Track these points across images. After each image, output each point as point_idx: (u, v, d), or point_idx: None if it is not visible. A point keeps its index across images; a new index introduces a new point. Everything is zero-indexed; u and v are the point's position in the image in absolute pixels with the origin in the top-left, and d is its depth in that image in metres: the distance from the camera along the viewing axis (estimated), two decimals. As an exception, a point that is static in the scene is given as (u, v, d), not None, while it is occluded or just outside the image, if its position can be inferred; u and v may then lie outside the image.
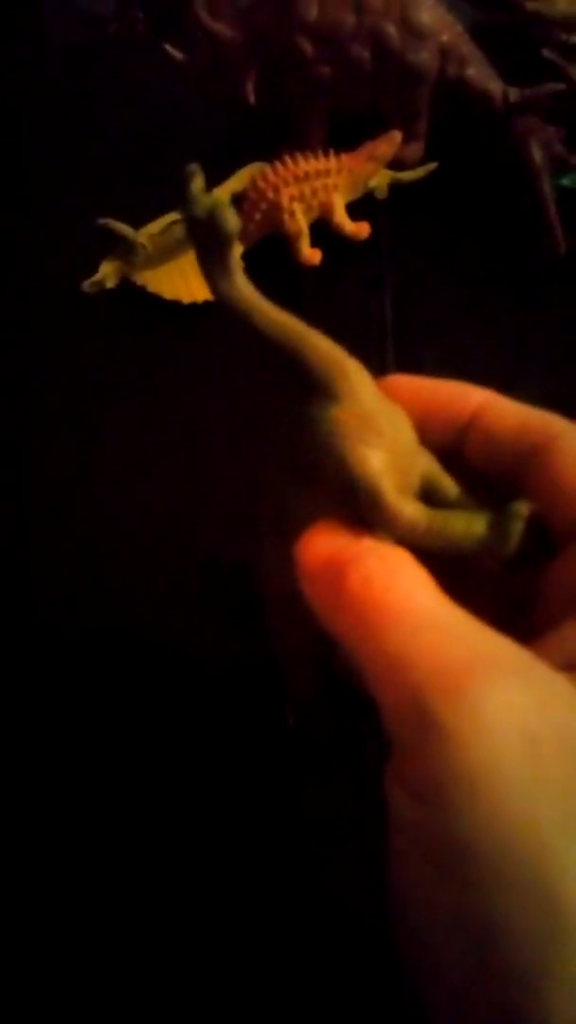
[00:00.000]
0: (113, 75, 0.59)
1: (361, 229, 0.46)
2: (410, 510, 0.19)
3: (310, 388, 0.20)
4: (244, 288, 0.20)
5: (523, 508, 0.20)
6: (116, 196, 0.49)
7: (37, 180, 0.52)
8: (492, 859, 0.14)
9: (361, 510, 0.19)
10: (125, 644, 0.36)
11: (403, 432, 0.21)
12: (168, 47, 0.49)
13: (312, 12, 0.45)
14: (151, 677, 0.34)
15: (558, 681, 0.16)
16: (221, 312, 0.20)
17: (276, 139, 0.49)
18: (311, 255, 0.46)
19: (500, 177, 0.49)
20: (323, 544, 0.19)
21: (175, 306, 0.44)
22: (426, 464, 0.21)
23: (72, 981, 0.29)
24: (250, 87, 0.48)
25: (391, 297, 0.45)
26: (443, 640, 0.16)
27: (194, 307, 0.44)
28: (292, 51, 0.46)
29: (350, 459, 0.19)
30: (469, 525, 0.19)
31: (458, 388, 0.22)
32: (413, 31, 0.45)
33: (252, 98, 0.48)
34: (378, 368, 0.42)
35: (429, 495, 0.21)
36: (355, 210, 0.47)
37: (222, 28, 0.47)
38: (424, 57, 0.46)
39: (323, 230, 0.46)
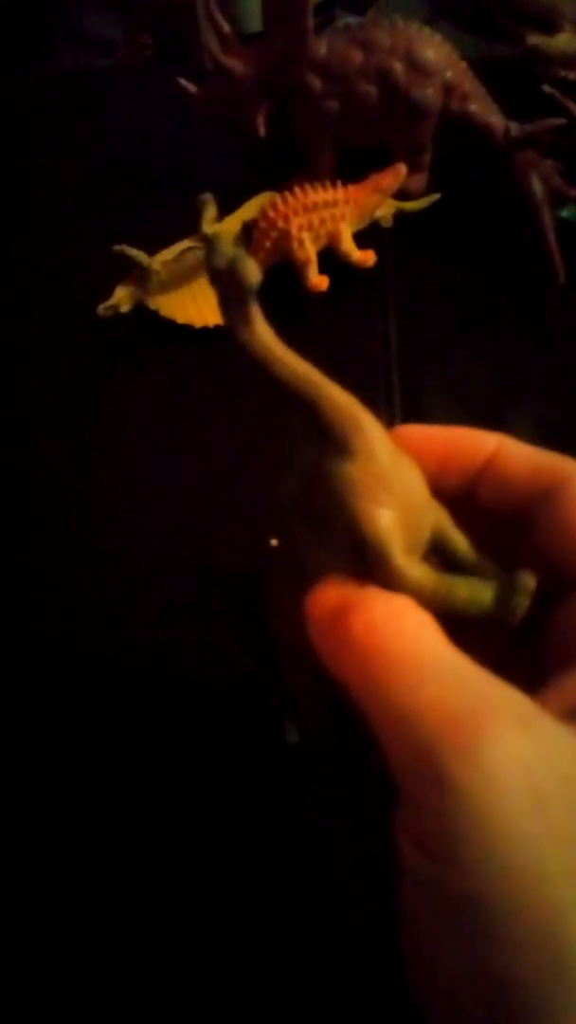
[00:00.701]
0: (123, 101, 0.60)
1: (367, 257, 0.47)
2: (416, 574, 0.19)
3: (325, 439, 0.20)
4: (264, 337, 0.20)
5: (529, 582, 0.19)
6: (130, 223, 0.50)
7: (52, 205, 0.53)
8: (502, 914, 0.15)
9: (370, 568, 0.19)
10: (131, 659, 0.36)
11: (415, 488, 0.21)
12: (182, 80, 0.50)
13: (321, 49, 0.47)
14: (156, 692, 0.35)
15: (563, 734, 0.16)
16: (239, 356, 0.21)
17: (286, 170, 0.50)
18: (319, 282, 0.47)
19: (501, 208, 0.50)
20: (331, 594, 0.19)
21: (188, 330, 0.45)
22: (437, 519, 0.21)
23: (78, 989, 0.30)
24: (260, 119, 0.49)
25: (395, 323, 0.46)
26: (450, 691, 0.16)
27: (206, 331, 0.45)
28: (302, 86, 0.47)
29: (360, 518, 0.19)
30: (474, 593, 0.20)
31: (471, 434, 0.22)
32: (418, 68, 0.47)
33: (263, 130, 0.49)
34: (383, 390, 0.44)
35: (439, 549, 0.21)
36: (361, 239, 0.48)
37: (234, 63, 0.48)
38: (429, 93, 0.47)
39: (330, 258, 0.47)
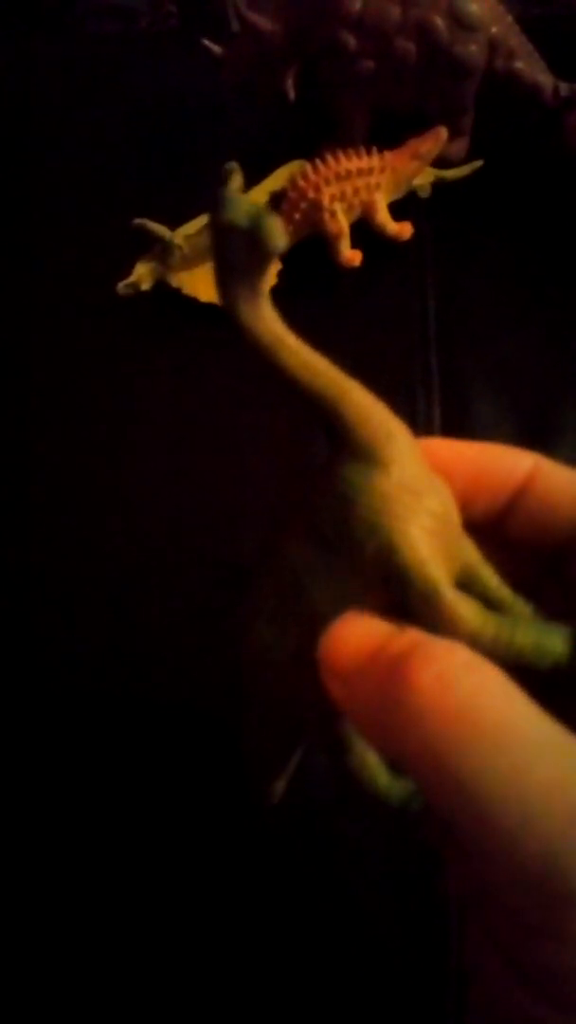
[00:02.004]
0: (146, 70, 0.58)
1: (404, 229, 0.45)
2: (473, 614, 0.17)
3: (346, 447, 0.18)
4: (272, 321, 0.18)
5: None
6: (151, 195, 0.48)
7: (69, 178, 0.51)
8: None
9: (408, 605, 0.17)
10: (137, 657, 0.35)
11: (451, 512, 0.18)
12: (206, 41, 0.47)
13: (356, 3, 0.44)
14: (162, 693, 0.34)
15: None
16: (243, 344, 0.18)
17: (316, 136, 0.48)
18: (351, 256, 0.45)
19: (549, 175, 0.47)
20: (360, 635, 0.16)
21: (211, 308, 0.43)
22: (468, 550, 0.18)
23: (77, 991, 0.29)
24: (290, 82, 0.46)
25: (434, 302, 0.44)
26: (570, 775, 0.13)
27: None
28: (334, 45, 0.44)
29: (401, 544, 0.17)
30: (542, 639, 0.17)
31: (504, 453, 0.20)
32: (461, 23, 0.44)
33: (292, 93, 0.47)
34: (420, 376, 0.42)
35: (465, 585, 0.18)
36: (397, 210, 0.45)
37: (261, 20, 0.45)
38: (472, 50, 0.44)
39: (364, 230, 0.45)
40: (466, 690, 0.14)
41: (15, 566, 0.37)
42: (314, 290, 0.44)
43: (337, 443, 0.18)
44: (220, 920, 0.30)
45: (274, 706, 0.19)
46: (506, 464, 0.20)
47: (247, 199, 0.17)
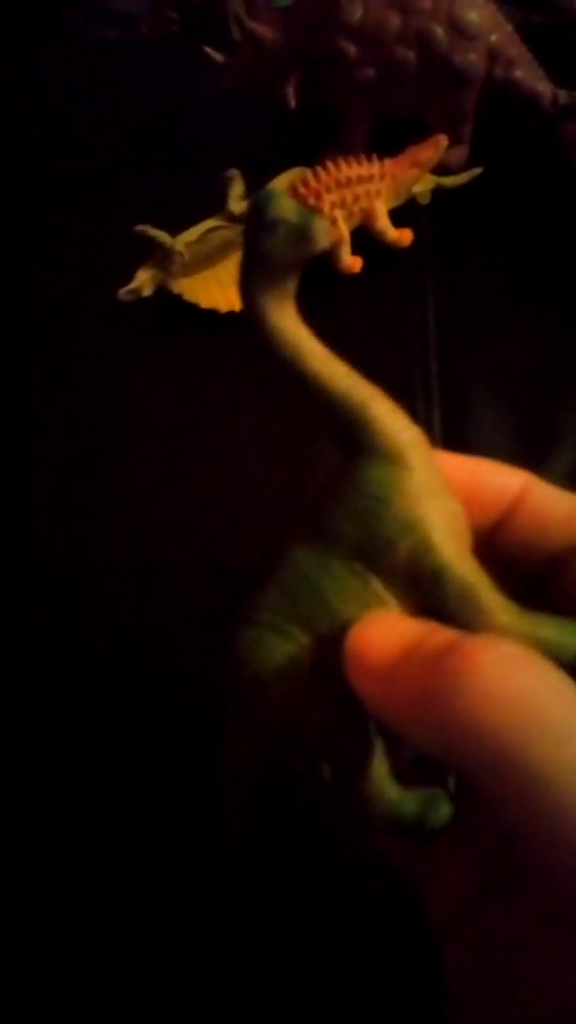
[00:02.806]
0: (147, 77, 0.58)
1: (404, 236, 0.45)
2: (506, 611, 0.17)
3: (368, 451, 0.18)
4: (297, 323, 0.18)
5: None
6: (152, 201, 0.48)
7: (70, 184, 0.51)
8: None
9: (442, 603, 0.17)
10: (138, 662, 0.35)
11: (464, 517, 0.18)
12: (208, 49, 0.47)
13: (356, 12, 0.44)
14: (164, 697, 0.34)
15: None
16: (263, 344, 0.18)
17: (317, 143, 0.48)
18: (352, 263, 0.45)
19: (548, 182, 0.47)
20: (398, 630, 0.16)
21: (212, 315, 0.43)
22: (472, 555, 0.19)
23: (77, 993, 0.28)
24: (291, 90, 0.47)
25: (434, 307, 0.44)
26: None
27: (232, 316, 0.43)
28: (334, 53, 0.45)
29: (437, 544, 0.17)
30: (563, 635, 0.17)
31: (497, 470, 0.20)
32: (461, 31, 0.44)
33: (293, 101, 0.47)
34: (420, 380, 0.42)
35: None
36: (397, 217, 0.45)
37: (262, 29, 0.45)
38: (472, 58, 0.45)
39: (364, 237, 0.45)
40: (529, 677, 0.14)
41: (15, 568, 0.37)
42: (314, 296, 0.43)
43: (356, 447, 0.18)
44: (220, 922, 0.30)
45: (269, 728, 0.18)
46: (498, 481, 0.20)
47: (287, 198, 0.17)
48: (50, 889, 0.30)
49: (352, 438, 0.18)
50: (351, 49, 0.45)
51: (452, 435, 0.40)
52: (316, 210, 0.17)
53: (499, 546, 0.20)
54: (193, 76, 0.53)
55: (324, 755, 0.18)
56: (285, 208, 0.17)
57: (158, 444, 0.40)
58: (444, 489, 0.18)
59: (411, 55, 0.44)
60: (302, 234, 0.17)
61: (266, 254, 0.17)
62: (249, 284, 0.18)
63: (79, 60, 0.61)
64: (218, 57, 0.48)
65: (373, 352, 0.42)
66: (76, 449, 0.41)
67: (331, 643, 0.17)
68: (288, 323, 0.18)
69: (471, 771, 0.15)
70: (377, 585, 0.17)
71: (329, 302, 0.44)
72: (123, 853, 0.31)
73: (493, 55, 0.45)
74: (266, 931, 0.29)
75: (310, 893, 0.29)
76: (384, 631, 0.17)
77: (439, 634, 0.16)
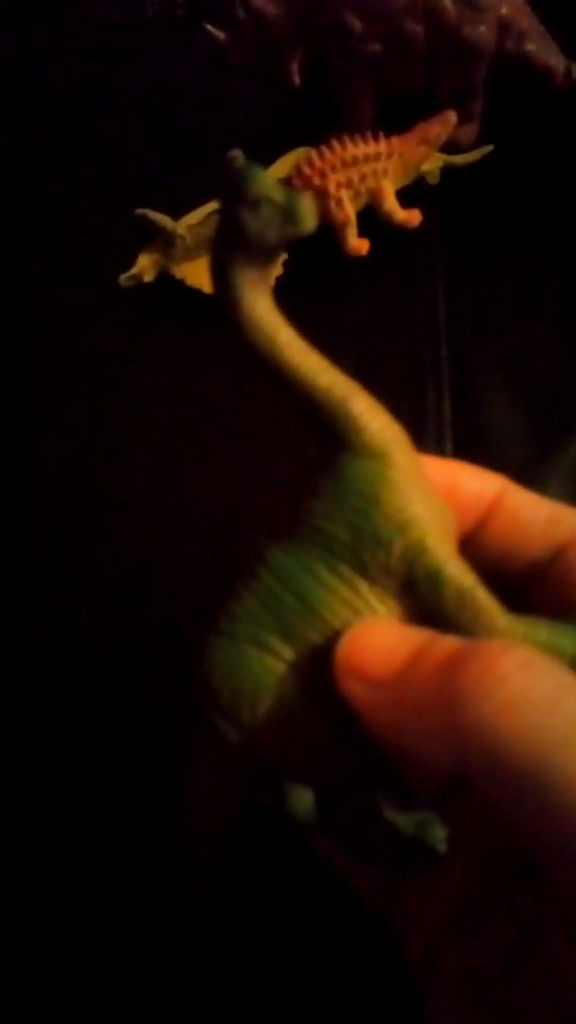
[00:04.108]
0: (150, 58, 0.57)
1: (412, 217, 0.44)
2: (502, 615, 0.16)
3: (350, 449, 0.17)
4: (273, 312, 0.17)
5: None
6: (154, 185, 0.47)
7: (71, 168, 0.51)
8: None
9: (438, 606, 0.16)
10: (141, 663, 0.34)
11: (451, 516, 0.18)
12: (209, 27, 0.46)
13: (361, -15, 0.43)
14: (169, 702, 0.33)
15: None
16: (236, 335, 0.17)
17: (322, 122, 0.47)
18: (358, 245, 0.43)
19: (561, 160, 0.46)
20: (396, 637, 0.16)
21: (215, 301, 0.42)
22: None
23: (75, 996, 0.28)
24: (295, 68, 0.45)
25: (444, 291, 0.43)
26: None
27: None
28: (339, 28, 0.43)
29: (432, 544, 0.16)
30: (554, 638, 0.16)
31: (475, 474, 0.20)
32: (470, 3, 0.43)
33: (297, 79, 0.46)
34: (430, 367, 0.41)
35: None
36: (405, 196, 0.44)
37: (265, 5, 0.44)
38: (482, 31, 0.43)
39: (371, 218, 0.44)
40: (551, 684, 0.14)
41: (15, 566, 0.37)
42: (320, 280, 0.43)
43: (338, 443, 0.17)
44: (219, 928, 0.29)
45: (245, 753, 0.17)
46: (475, 486, 0.20)
47: (268, 174, 0.16)
48: (50, 890, 0.30)
49: (333, 434, 0.17)
50: (356, 23, 0.43)
51: (463, 422, 0.39)
52: (302, 188, 0.16)
53: (475, 551, 0.19)
54: (196, 57, 0.52)
55: (311, 778, 0.17)
56: (268, 185, 0.16)
57: (159, 432, 0.40)
58: (429, 487, 0.17)
59: (419, 28, 0.43)
60: (287, 214, 0.16)
61: (246, 235, 0.16)
62: (224, 267, 0.17)
63: (82, 42, 0.60)
64: (220, 36, 0.46)
65: (381, 337, 0.42)
66: (75, 437, 0.40)
67: (318, 655, 0.16)
68: (264, 311, 0.17)
69: (491, 784, 0.14)
70: (366, 590, 0.16)
71: (335, 286, 0.43)
72: (123, 854, 0.30)
73: (504, 28, 0.44)
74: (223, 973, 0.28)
75: (275, 924, 0.28)
76: (381, 638, 0.16)
77: (444, 640, 0.15)
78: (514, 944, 0.16)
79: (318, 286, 0.43)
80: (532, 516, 0.19)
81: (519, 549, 0.19)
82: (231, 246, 0.16)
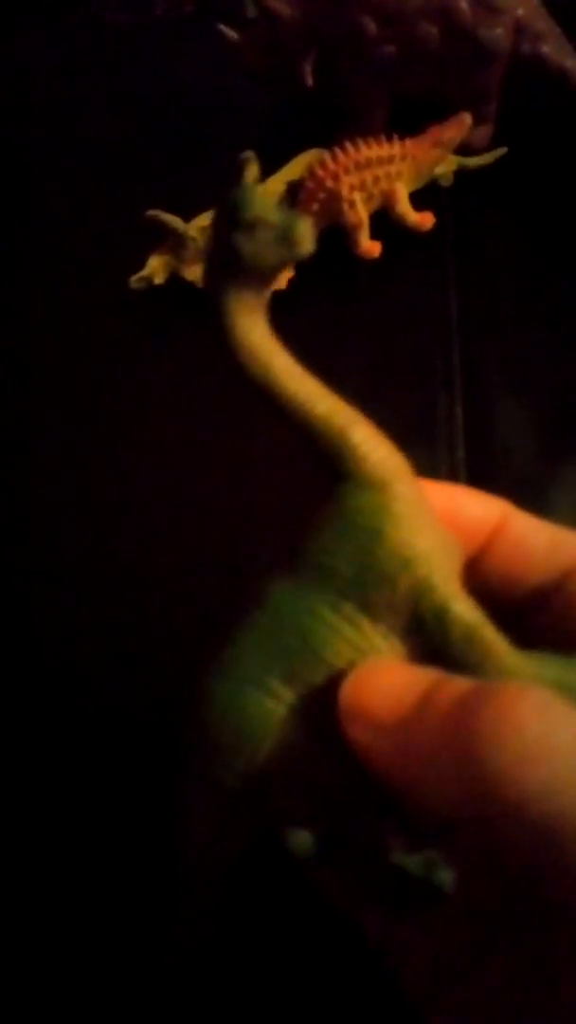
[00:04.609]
0: (160, 58, 0.57)
1: (425, 220, 0.44)
2: (511, 654, 0.15)
3: (352, 480, 0.16)
4: (269, 339, 0.16)
5: None
6: (165, 186, 0.47)
7: (81, 168, 0.50)
8: None
9: (445, 646, 0.15)
10: (143, 675, 0.34)
11: (457, 548, 0.17)
12: (222, 26, 0.46)
13: (376, -14, 0.42)
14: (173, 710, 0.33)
15: None
16: (231, 362, 0.16)
17: (335, 124, 0.46)
18: (371, 248, 0.43)
19: (576, 163, 0.45)
20: (403, 679, 0.15)
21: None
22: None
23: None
24: (308, 68, 0.45)
25: (456, 295, 0.42)
26: None
27: None
28: (354, 29, 0.43)
29: (439, 581, 0.15)
30: (564, 677, 0.15)
31: (474, 499, 0.19)
32: (486, 5, 0.42)
33: (310, 80, 0.45)
34: (442, 373, 0.40)
35: None
36: (418, 199, 0.44)
37: (278, 4, 0.44)
38: (498, 33, 0.43)
39: (383, 221, 0.43)
40: (572, 730, 0.13)
41: (15, 567, 0.37)
42: (331, 283, 0.42)
43: (338, 474, 0.16)
44: (216, 965, 0.29)
45: (246, 798, 0.17)
46: (476, 511, 0.19)
47: (266, 194, 0.16)
48: (50, 891, 0.30)
49: (333, 464, 0.16)
50: (371, 24, 0.43)
51: (475, 429, 0.38)
52: (298, 216, 0.15)
53: (477, 577, 0.19)
54: (207, 58, 0.52)
55: (314, 822, 0.16)
56: (264, 206, 0.15)
57: (170, 436, 0.39)
58: (433, 518, 0.16)
59: (434, 30, 0.43)
60: (284, 237, 0.15)
61: (241, 259, 0.15)
62: (218, 292, 0.16)
63: (91, 42, 0.59)
64: (232, 35, 0.46)
65: (392, 342, 0.41)
66: (82, 444, 0.40)
67: (322, 697, 0.16)
68: (260, 337, 0.16)
69: (507, 833, 0.13)
70: (370, 628, 0.16)
71: (346, 289, 0.43)
72: (124, 854, 0.30)
73: (520, 29, 0.43)
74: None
75: (274, 959, 0.28)
76: (387, 679, 0.15)
77: (454, 681, 0.15)
78: (518, 974, 0.16)
79: (329, 289, 0.42)
80: (535, 541, 0.19)
81: (522, 575, 0.19)
82: (225, 271, 0.16)
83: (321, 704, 0.16)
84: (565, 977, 0.15)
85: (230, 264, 0.16)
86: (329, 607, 0.16)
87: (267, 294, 0.16)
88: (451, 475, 0.37)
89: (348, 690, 0.15)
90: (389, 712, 0.15)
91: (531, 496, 0.37)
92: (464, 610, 0.16)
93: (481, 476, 0.37)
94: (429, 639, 0.16)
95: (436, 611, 0.15)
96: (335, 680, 0.16)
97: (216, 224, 0.16)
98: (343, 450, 0.16)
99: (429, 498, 0.18)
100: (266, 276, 0.16)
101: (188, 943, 0.19)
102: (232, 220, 0.15)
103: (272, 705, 0.16)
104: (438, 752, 0.14)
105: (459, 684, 0.15)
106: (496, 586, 0.19)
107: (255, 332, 0.16)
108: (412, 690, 0.15)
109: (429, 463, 0.37)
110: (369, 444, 0.16)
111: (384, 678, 0.15)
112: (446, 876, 0.16)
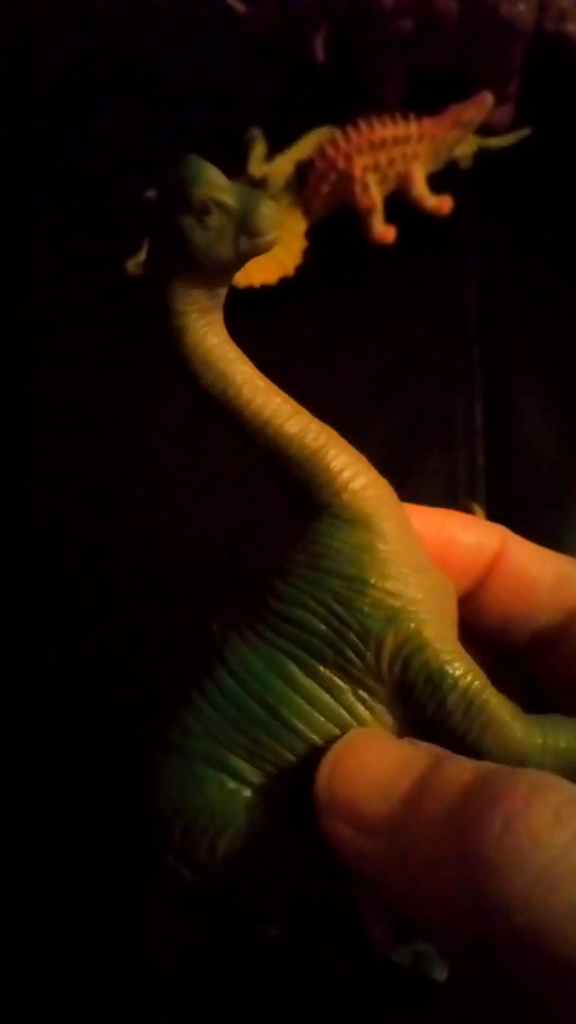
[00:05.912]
0: (170, 33, 0.55)
1: (443, 204, 0.42)
2: (517, 721, 0.13)
3: (327, 512, 0.14)
4: (228, 346, 0.14)
5: None
6: (167, 166, 0.45)
7: (81, 149, 0.49)
8: None
9: (439, 711, 0.13)
10: (149, 678, 0.33)
11: (451, 588, 0.15)
12: (230, 1, 0.44)
13: (393, -44, 0.41)
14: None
15: None
16: (182, 371, 0.14)
17: (347, 102, 0.45)
18: (385, 233, 0.42)
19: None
20: (393, 760, 0.13)
21: (229, 290, 0.40)
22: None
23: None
24: (320, 43, 0.44)
25: (476, 285, 0.41)
26: None
27: (251, 292, 0.40)
28: (367, 2, 0.41)
29: (431, 638, 0.13)
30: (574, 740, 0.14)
31: (471, 524, 0.17)
32: (509, -23, 0.41)
33: (322, 55, 0.44)
34: (460, 368, 0.39)
35: None
36: (436, 182, 0.43)
37: (289, -24, 0.42)
38: (520, 10, 0.41)
39: (399, 204, 0.42)
40: None
41: (15, 566, 0.36)
42: (342, 271, 0.41)
43: (311, 505, 0.14)
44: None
45: (199, 892, 0.14)
46: (471, 539, 0.17)
47: (218, 172, 0.13)
48: (48, 894, 0.29)
49: (306, 494, 0.14)
50: (387, -3, 0.41)
51: (495, 430, 0.37)
52: (260, 193, 0.12)
53: (473, 615, 0.17)
54: (212, 28, 0.50)
55: (285, 919, 0.14)
56: (218, 185, 0.13)
57: (168, 434, 0.38)
58: (424, 557, 0.14)
59: (453, 5, 0.41)
60: (242, 224, 0.12)
61: (190, 250, 0.13)
62: (163, 289, 0.13)
63: (97, 19, 0.58)
64: (241, 8, 0.45)
65: (407, 335, 0.40)
66: (75, 439, 0.39)
67: (293, 779, 0.13)
68: (216, 343, 0.14)
69: (517, 959, 0.11)
70: (351, 695, 0.14)
71: (359, 278, 0.41)
72: (119, 857, 0.29)
73: (543, 6, 0.42)
74: None
75: None
76: (374, 760, 0.13)
77: (453, 764, 0.12)
78: None
79: (340, 277, 0.41)
80: (539, 574, 0.17)
81: (525, 614, 0.17)
82: (171, 263, 0.13)
83: (293, 788, 0.13)
84: None
85: (177, 256, 0.13)
86: (301, 669, 0.14)
87: (223, 292, 0.14)
88: (469, 476, 0.36)
89: (325, 773, 0.13)
90: (375, 806, 0.12)
91: (553, 497, 0.36)
92: (462, 672, 0.13)
93: (501, 476, 0.36)
94: (422, 707, 0.13)
95: (430, 675, 0.13)
96: (309, 758, 0.13)
97: (160, 209, 0.13)
98: (318, 477, 0.14)
99: (417, 524, 0.15)
100: (221, 271, 0.13)
101: None
102: (179, 202, 0.13)
103: (233, 787, 0.14)
104: (435, 865, 0.11)
105: (459, 768, 0.12)
106: (496, 625, 0.17)
107: (210, 338, 0.14)
108: (404, 776, 0.12)
109: (447, 464, 0.36)
110: (350, 470, 0.14)
111: (369, 757, 0.13)
112: (438, 971, 0.14)
